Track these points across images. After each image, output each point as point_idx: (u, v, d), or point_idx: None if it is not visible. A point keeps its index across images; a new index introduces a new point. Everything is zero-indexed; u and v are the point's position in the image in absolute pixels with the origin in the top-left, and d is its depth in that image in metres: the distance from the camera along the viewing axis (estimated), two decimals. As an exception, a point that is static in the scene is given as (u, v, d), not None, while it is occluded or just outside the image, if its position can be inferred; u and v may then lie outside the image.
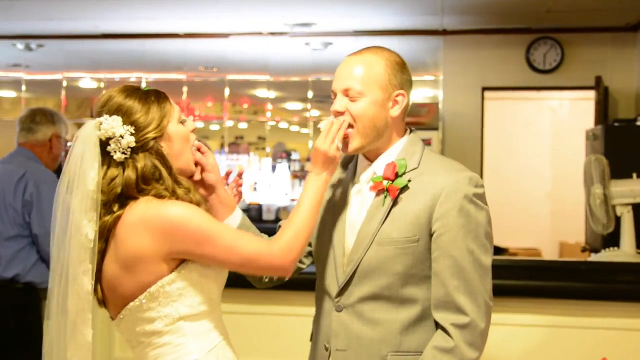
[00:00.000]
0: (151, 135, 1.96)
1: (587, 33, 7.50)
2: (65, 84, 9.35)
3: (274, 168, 9.10)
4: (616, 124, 6.06)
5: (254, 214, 8.10)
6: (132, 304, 1.93)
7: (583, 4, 6.59)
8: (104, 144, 1.95)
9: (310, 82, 8.78)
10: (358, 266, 2.11)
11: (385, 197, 2.11)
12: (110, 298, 1.99)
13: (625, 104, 7.39)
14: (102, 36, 8.29)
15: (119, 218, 1.93)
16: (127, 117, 1.95)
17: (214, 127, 11.72)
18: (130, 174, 1.93)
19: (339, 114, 2.14)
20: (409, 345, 2.09)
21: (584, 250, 5.55)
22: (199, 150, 2.15)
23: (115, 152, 1.94)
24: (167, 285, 1.92)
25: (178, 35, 8.20)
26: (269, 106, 9.44)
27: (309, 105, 9.12)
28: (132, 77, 9.36)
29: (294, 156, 9.64)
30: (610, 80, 7.39)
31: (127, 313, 1.95)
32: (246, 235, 2.00)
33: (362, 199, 2.18)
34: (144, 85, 9.30)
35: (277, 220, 7.86)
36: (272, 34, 8.04)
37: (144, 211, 1.91)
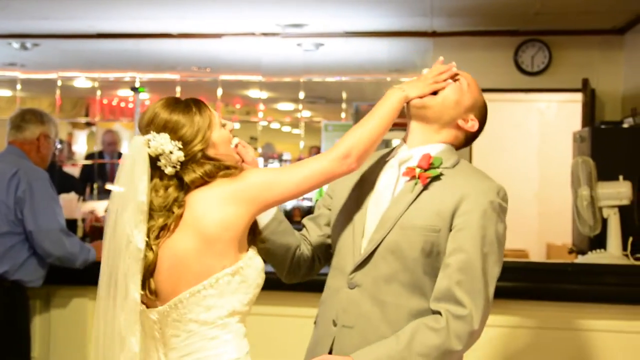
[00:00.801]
0: (198, 147, 2.06)
1: (575, 35, 7.52)
2: (59, 83, 9.31)
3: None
4: (603, 126, 6.06)
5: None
6: (195, 287, 2.00)
7: (571, 6, 6.62)
8: (154, 158, 2.06)
9: (301, 83, 8.77)
10: (378, 246, 2.18)
11: (416, 183, 2.20)
12: (172, 280, 2.03)
13: (611, 106, 7.41)
14: (97, 35, 8.25)
15: (181, 211, 2.03)
16: (174, 132, 2.05)
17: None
18: (192, 176, 2.05)
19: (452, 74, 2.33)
20: None
21: (570, 251, 5.48)
22: (237, 146, 2.27)
23: (166, 166, 2.04)
24: (229, 275, 2.02)
25: (171, 35, 8.18)
26: (261, 106, 9.42)
27: (300, 106, 9.12)
28: (126, 76, 9.33)
29: (285, 156, 9.64)
30: (597, 83, 7.41)
31: (186, 297, 2.01)
32: (301, 162, 2.14)
33: (388, 181, 2.28)
34: (137, 85, 9.35)
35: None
36: (264, 34, 8.03)
37: (220, 188, 2.04)
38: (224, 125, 2.17)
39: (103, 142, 9.00)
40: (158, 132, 2.05)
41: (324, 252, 2.44)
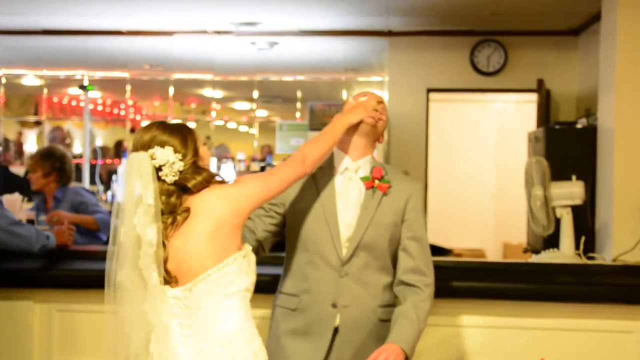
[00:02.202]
0: (192, 159, 2.53)
1: (530, 36, 7.60)
2: (4, 80, 9.18)
3: (219, 168, 9.07)
4: (557, 127, 6.11)
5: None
6: (222, 263, 2.44)
7: (526, 7, 6.68)
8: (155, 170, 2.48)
9: (256, 82, 8.74)
10: (359, 243, 2.82)
11: (374, 191, 2.87)
12: (196, 260, 2.44)
13: (566, 107, 7.50)
14: (43, 32, 8.10)
15: (188, 212, 2.48)
16: (174, 147, 2.50)
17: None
18: (194, 181, 2.50)
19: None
20: (388, 300, 2.86)
21: (525, 251, 5.55)
22: None
23: (167, 175, 2.47)
24: (242, 256, 2.48)
25: (121, 33, 8.07)
26: (215, 105, 9.37)
27: (254, 105, 9.10)
28: (77, 74, 9.23)
29: (240, 156, 9.61)
30: (552, 83, 7.51)
31: (214, 271, 2.43)
32: (277, 170, 2.66)
33: (351, 191, 2.89)
34: (86, 83, 9.25)
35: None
36: (217, 32, 7.97)
37: (223, 189, 2.53)
38: (204, 143, 2.65)
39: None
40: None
41: (268, 244, 2.98)
